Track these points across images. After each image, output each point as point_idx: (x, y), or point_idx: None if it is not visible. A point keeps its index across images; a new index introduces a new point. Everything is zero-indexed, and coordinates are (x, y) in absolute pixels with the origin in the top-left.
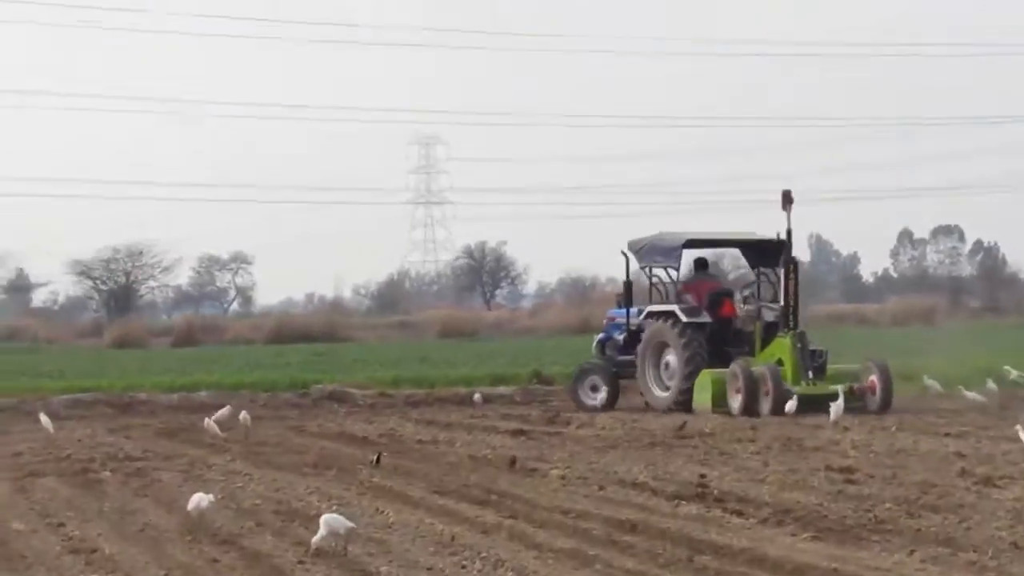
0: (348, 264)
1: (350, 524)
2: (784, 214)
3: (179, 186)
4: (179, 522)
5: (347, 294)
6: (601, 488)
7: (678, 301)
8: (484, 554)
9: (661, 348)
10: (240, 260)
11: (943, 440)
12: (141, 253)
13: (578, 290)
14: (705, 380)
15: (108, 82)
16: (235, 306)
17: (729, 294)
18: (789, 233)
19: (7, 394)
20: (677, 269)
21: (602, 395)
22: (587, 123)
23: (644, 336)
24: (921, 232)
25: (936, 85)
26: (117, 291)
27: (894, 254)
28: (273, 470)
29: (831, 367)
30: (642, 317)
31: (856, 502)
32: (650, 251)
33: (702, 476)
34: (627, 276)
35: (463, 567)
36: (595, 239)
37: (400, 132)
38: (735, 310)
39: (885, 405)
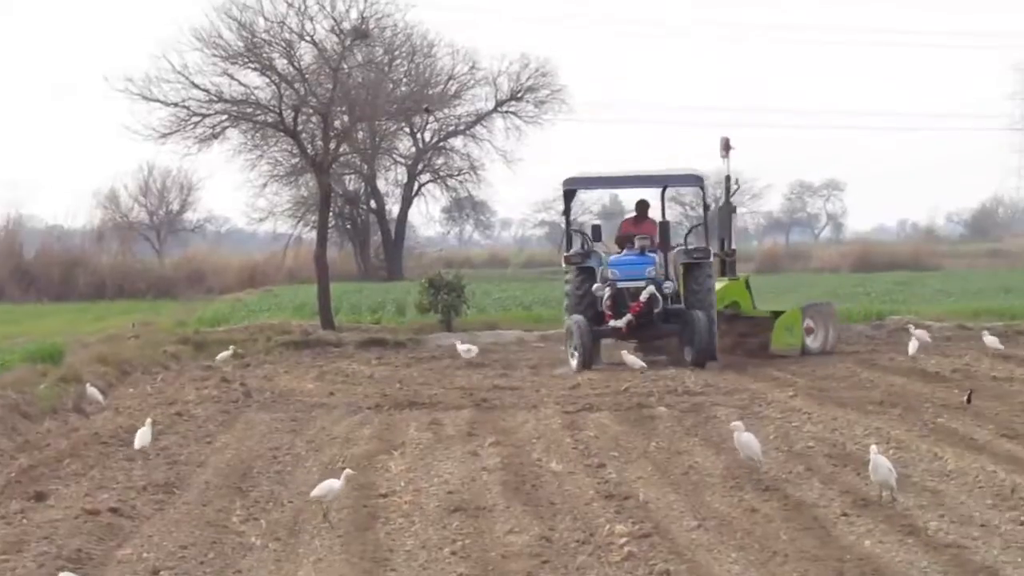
0: (942, 191)
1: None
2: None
3: (773, 112)
4: (726, 465)
5: (940, 221)
6: None
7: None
8: None
9: None
10: (832, 187)
11: None
12: (736, 181)
13: None
14: (794, 318)
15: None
16: (826, 232)
17: None
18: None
19: None
20: None
21: None
22: None
23: None
24: None
25: None
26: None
27: None
28: (834, 407)
29: None
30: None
31: None
32: None
33: None
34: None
35: (1021, 524)
36: None
37: (997, 58)
38: None
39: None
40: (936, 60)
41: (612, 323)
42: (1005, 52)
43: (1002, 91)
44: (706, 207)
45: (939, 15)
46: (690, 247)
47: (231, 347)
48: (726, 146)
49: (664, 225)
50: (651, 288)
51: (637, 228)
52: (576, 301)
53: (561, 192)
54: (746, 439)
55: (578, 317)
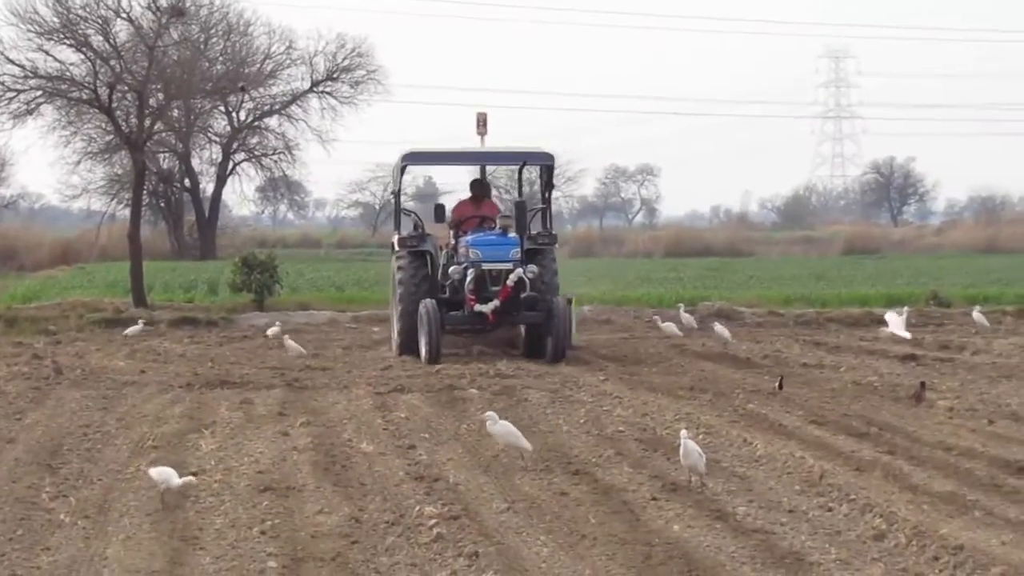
0: (755, 178)
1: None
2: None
3: (589, 96)
4: (536, 448)
5: (753, 208)
6: (991, 422)
7: None
8: (853, 496)
9: None
10: (646, 172)
11: None
12: None
13: (988, 208)
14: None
15: None
16: (639, 218)
17: None
18: None
19: None
20: None
21: None
22: (1002, 38)
23: None
24: None
25: None
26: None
27: None
28: (645, 392)
29: None
30: None
31: None
32: None
33: None
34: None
35: (829, 510)
36: (1009, 157)
37: (810, 46)
38: None
39: None
40: (750, 47)
41: (477, 307)
42: (819, 40)
43: (816, 79)
44: (551, 188)
45: (756, 1)
46: (533, 231)
47: (140, 321)
48: (483, 123)
49: (521, 205)
50: (519, 271)
51: (476, 210)
52: (412, 287)
53: (376, 171)
54: (499, 428)
55: (429, 302)
